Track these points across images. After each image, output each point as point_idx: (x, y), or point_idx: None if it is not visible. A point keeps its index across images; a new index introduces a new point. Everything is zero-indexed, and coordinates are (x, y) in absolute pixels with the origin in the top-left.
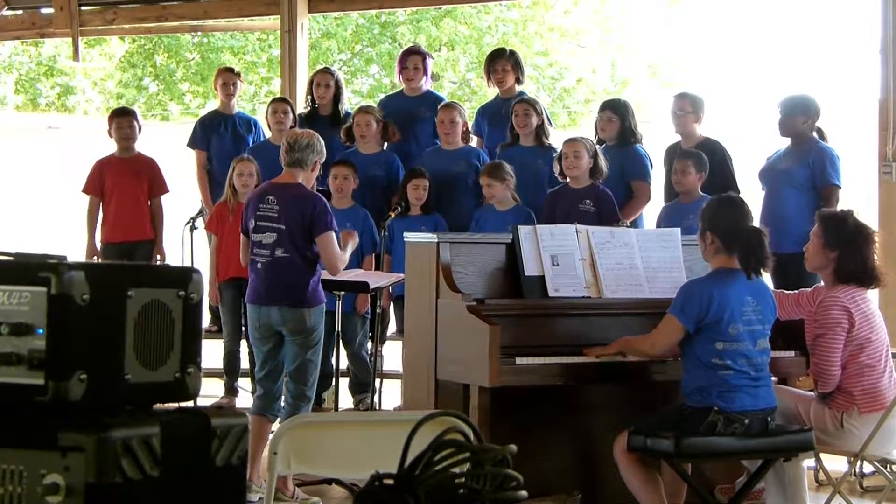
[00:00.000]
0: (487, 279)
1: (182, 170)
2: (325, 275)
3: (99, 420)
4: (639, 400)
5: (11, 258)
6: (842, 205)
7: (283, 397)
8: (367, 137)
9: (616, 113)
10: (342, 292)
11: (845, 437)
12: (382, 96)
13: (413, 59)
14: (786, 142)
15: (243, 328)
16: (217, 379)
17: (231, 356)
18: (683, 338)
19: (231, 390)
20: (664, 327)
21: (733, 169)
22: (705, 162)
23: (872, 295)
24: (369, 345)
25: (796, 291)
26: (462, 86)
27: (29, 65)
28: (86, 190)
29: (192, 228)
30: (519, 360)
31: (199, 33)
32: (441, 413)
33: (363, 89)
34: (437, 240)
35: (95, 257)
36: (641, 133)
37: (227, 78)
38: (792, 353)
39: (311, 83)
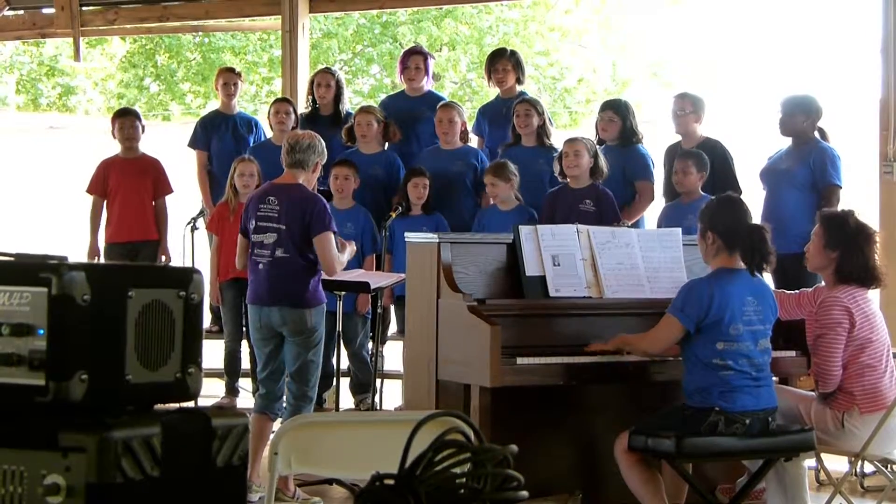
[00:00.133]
0: (488, 279)
1: (183, 170)
2: (325, 275)
3: (100, 420)
4: (640, 400)
5: (12, 259)
6: (843, 205)
7: (285, 397)
8: (367, 137)
9: (617, 113)
10: (343, 292)
11: (846, 437)
12: (383, 96)
13: (414, 59)
14: (787, 142)
15: (244, 328)
16: (218, 379)
17: (232, 356)
18: (684, 338)
19: (232, 390)
20: (663, 327)
21: (735, 169)
22: (706, 162)
23: (873, 295)
24: (370, 345)
25: (797, 291)
26: (463, 86)
27: (30, 65)
28: (90, 190)
29: (193, 229)
30: (520, 361)
31: (200, 33)
32: (442, 413)
33: (364, 89)
34: (437, 240)
35: (97, 258)
36: (642, 133)
37: (228, 78)
38: (793, 353)
39: (311, 83)
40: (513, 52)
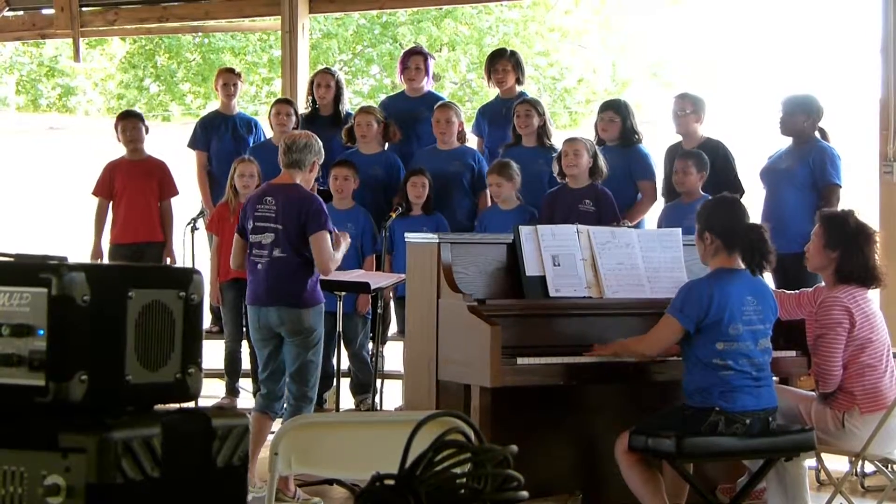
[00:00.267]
0: (488, 279)
1: (183, 170)
2: (320, 274)
3: (100, 421)
4: (640, 400)
5: (12, 259)
6: (843, 204)
7: (286, 398)
8: (367, 138)
9: (618, 113)
10: (343, 293)
11: (846, 436)
12: (383, 97)
13: (415, 59)
14: (787, 141)
15: (244, 329)
16: (218, 379)
17: (232, 357)
18: (684, 338)
19: (232, 391)
20: (662, 328)
21: (736, 169)
22: (706, 162)
23: (873, 295)
24: (370, 345)
25: (797, 291)
26: (463, 86)
27: (30, 65)
28: (96, 192)
29: (193, 229)
30: (520, 361)
31: (200, 34)
32: (442, 413)
33: (364, 90)
34: (437, 240)
35: (100, 259)
36: (642, 132)
37: (228, 78)
38: (793, 353)
39: (311, 84)
40: (513, 53)
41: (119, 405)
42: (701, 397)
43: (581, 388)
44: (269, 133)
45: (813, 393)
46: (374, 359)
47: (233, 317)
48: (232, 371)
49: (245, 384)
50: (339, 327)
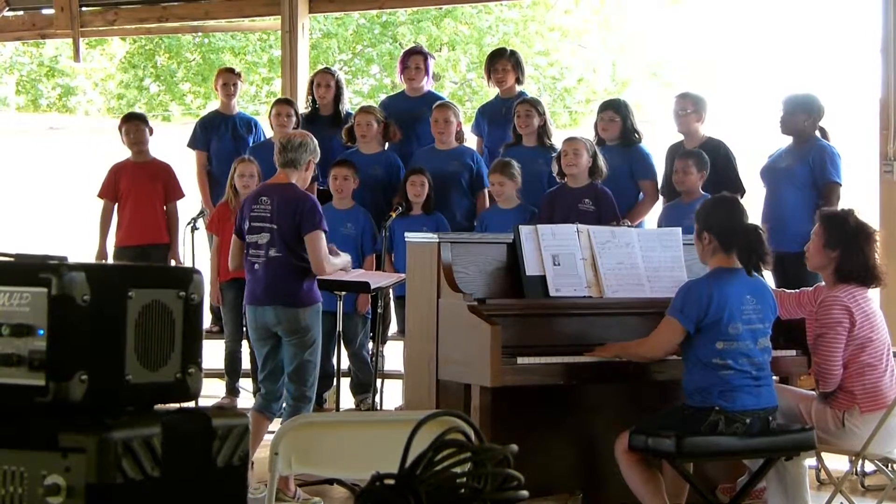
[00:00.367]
0: (488, 279)
1: (183, 170)
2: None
3: (100, 421)
4: (640, 400)
5: (12, 259)
6: (843, 204)
7: (285, 398)
8: (367, 137)
9: (617, 113)
10: (343, 292)
11: (847, 436)
12: (383, 96)
13: (414, 59)
14: (788, 140)
15: (244, 328)
16: (218, 379)
17: (232, 357)
18: (684, 338)
19: (232, 391)
20: (664, 329)
21: (737, 168)
22: (706, 161)
23: (873, 294)
24: (370, 345)
25: (797, 290)
26: (463, 86)
27: (30, 66)
28: (101, 194)
29: (194, 229)
30: (520, 360)
31: (200, 34)
32: (442, 413)
33: (364, 89)
34: (437, 240)
35: (104, 261)
36: (641, 132)
37: (228, 78)
38: (793, 353)
39: (311, 83)
40: (512, 52)
41: (119, 405)
42: (701, 397)
43: (581, 388)
44: (269, 133)
45: (813, 392)
46: (374, 358)
47: (233, 317)
48: (232, 371)
49: (245, 384)
50: (339, 327)
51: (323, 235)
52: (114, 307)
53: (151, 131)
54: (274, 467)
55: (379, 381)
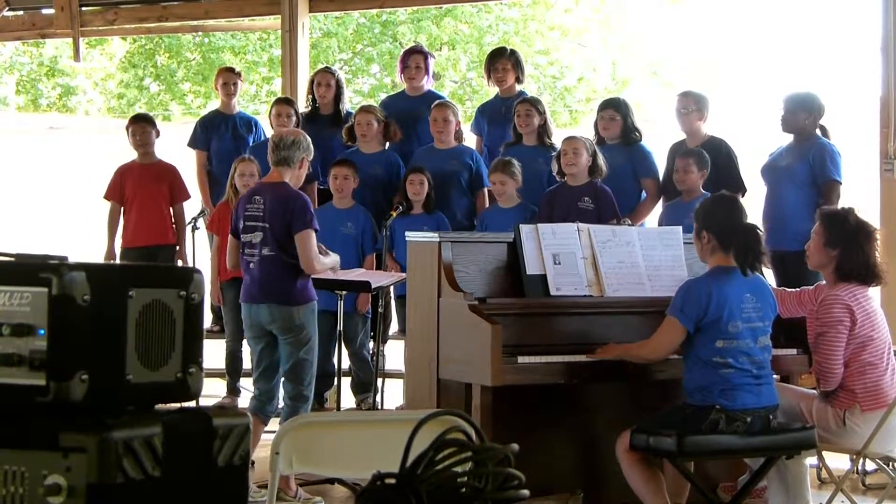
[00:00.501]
0: (489, 278)
1: (183, 170)
2: (328, 274)
3: (100, 420)
4: (641, 399)
5: (12, 259)
6: (843, 202)
7: (282, 398)
8: (368, 137)
9: (618, 111)
10: (344, 292)
11: (847, 435)
12: (384, 96)
13: (415, 58)
14: (788, 139)
15: None
16: (219, 379)
17: (233, 356)
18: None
19: (233, 390)
20: (665, 330)
21: (739, 167)
22: (707, 160)
23: (874, 292)
24: (371, 344)
25: (798, 289)
26: (463, 85)
27: (30, 65)
28: (107, 196)
29: (194, 228)
30: (521, 359)
31: (200, 33)
32: (443, 412)
33: (364, 89)
34: (438, 239)
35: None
36: (641, 130)
37: (228, 78)
38: (794, 351)
39: (311, 83)
40: (512, 52)
41: (120, 405)
42: (701, 396)
43: (582, 387)
44: (269, 132)
45: (814, 391)
46: (374, 358)
47: (234, 316)
48: (233, 370)
49: (246, 383)
50: (340, 326)
51: (313, 234)
52: (114, 307)
53: (158, 133)
54: (275, 467)
55: (380, 380)
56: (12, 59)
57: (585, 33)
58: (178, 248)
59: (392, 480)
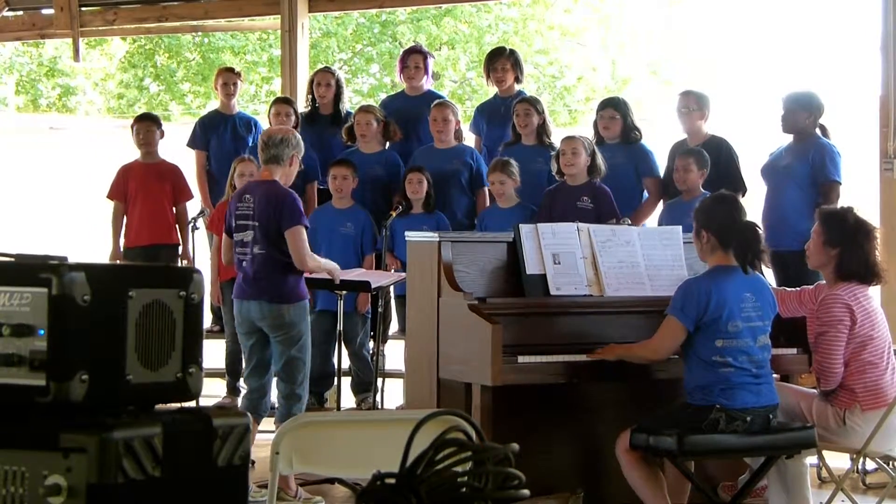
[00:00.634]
0: (489, 278)
1: (183, 170)
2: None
3: (100, 421)
4: (641, 398)
5: (12, 259)
6: (843, 201)
7: (275, 397)
8: (367, 137)
9: (618, 111)
10: (344, 292)
11: (848, 434)
12: (383, 96)
13: (414, 58)
14: (788, 138)
15: None
16: (219, 379)
17: (233, 356)
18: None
19: (233, 390)
20: (666, 330)
21: (740, 167)
22: (707, 159)
23: (874, 292)
24: (371, 344)
25: (798, 289)
26: (462, 84)
27: (30, 65)
28: (111, 196)
29: (194, 228)
30: (521, 359)
31: (200, 33)
32: (443, 412)
33: (364, 88)
34: (438, 239)
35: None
36: (640, 129)
37: (228, 78)
38: (794, 351)
39: (311, 83)
40: (511, 52)
41: (120, 405)
42: (701, 395)
43: (582, 387)
44: None
45: (814, 390)
46: (374, 357)
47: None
48: (233, 370)
49: None
50: (340, 326)
51: (303, 230)
52: (114, 307)
53: (162, 134)
54: (275, 467)
55: (380, 380)
56: (12, 59)
57: (585, 32)
58: (180, 247)
59: (392, 480)
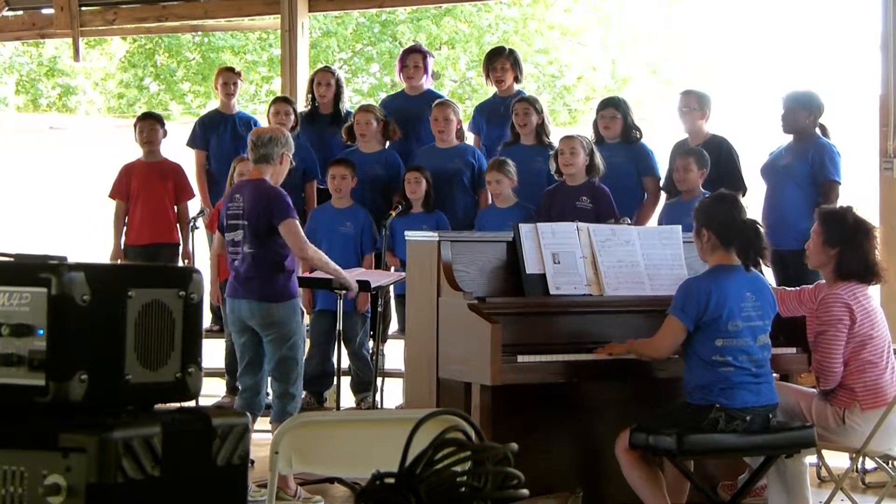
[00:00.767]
0: (489, 277)
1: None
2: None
3: (100, 420)
4: (641, 397)
5: (12, 259)
6: (843, 201)
7: (269, 396)
8: (367, 136)
9: (618, 110)
10: (343, 291)
11: (847, 433)
12: (383, 95)
13: (413, 57)
14: (788, 138)
15: None
16: (219, 378)
17: (232, 356)
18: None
19: (232, 390)
20: (667, 330)
21: (740, 166)
22: (707, 159)
23: (874, 291)
24: (370, 343)
25: (798, 288)
26: (462, 84)
27: (30, 65)
28: (112, 195)
29: (193, 228)
30: (520, 359)
31: (200, 33)
32: (442, 412)
33: (364, 88)
34: (438, 238)
35: (119, 261)
36: (640, 128)
37: (228, 77)
38: (794, 350)
39: (311, 82)
40: (511, 51)
41: (119, 405)
42: (701, 394)
43: (581, 386)
44: None
45: (813, 390)
46: (374, 357)
47: None
48: (232, 370)
49: None
50: (340, 326)
51: (296, 222)
52: (114, 307)
53: (165, 133)
54: (274, 466)
55: (379, 379)
56: (12, 59)
57: (585, 32)
58: (181, 247)
59: (391, 480)
